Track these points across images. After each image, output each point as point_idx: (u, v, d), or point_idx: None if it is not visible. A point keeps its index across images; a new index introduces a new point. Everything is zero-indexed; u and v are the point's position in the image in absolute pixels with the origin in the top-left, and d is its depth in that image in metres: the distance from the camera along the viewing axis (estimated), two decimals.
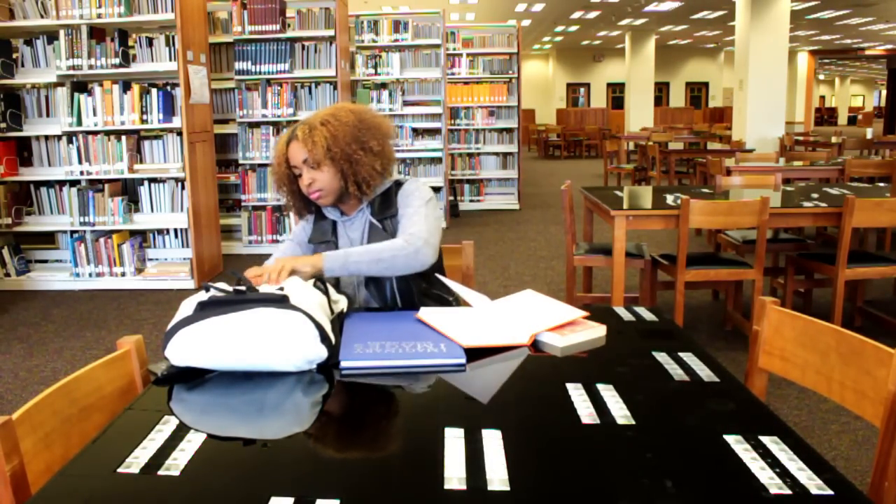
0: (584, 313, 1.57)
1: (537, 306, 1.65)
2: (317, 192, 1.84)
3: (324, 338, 1.36)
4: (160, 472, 0.98)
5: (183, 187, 4.98)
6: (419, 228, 1.78)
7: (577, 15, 16.60)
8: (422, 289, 1.87)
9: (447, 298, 1.92)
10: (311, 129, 1.81)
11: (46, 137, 5.06)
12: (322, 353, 1.36)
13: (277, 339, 1.33)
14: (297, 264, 1.65)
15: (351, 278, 1.87)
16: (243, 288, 1.45)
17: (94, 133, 4.90)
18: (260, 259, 1.84)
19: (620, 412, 1.15)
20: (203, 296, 1.42)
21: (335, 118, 1.83)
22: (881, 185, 5.34)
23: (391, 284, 1.84)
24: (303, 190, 1.86)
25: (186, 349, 1.35)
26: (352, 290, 1.88)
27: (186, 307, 1.41)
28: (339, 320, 1.54)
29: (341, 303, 1.61)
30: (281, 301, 1.37)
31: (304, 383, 1.34)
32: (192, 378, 1.36)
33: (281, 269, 1.60)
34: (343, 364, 1.36)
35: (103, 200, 4.96)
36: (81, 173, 4.94)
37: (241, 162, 6.04)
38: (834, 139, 9.79)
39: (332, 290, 1.59)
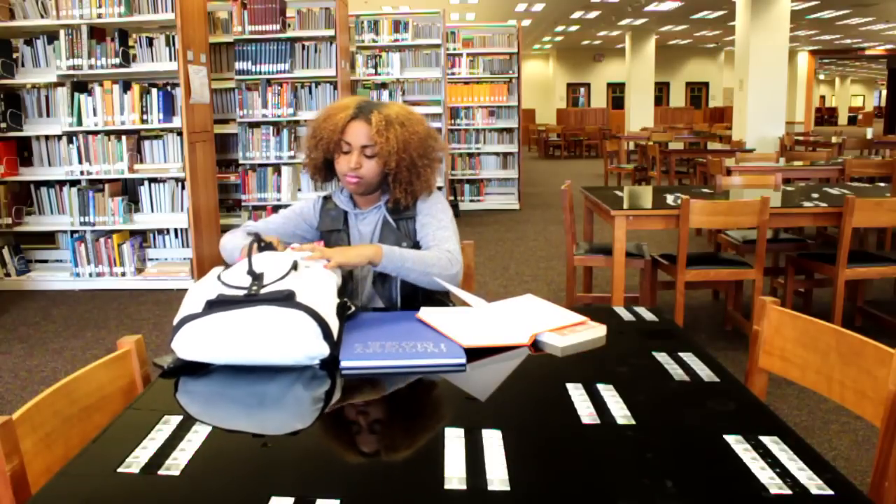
0: (584, 319, 1.57)
1: (537, 309, 1.65)
2: (356, 178, 1.81)
3: (326, 334, 1.37)
4: (160, 472, 0.98)
5: (183, 187, 4.98)
6: (455, 248, 1.79)
7: (577, 15, 16.59)
8: (426, 291, 1.87)
9: (449, 302, 1.92)
10: (387, 122, 1.77)
11: (46, 137, 5.06)
12: (324, 349, 1.37)
13: (279, 336, 1.35)
14: (350, 258, 1.60)
15: (361, 272, 1.88)
16: (253, 290, 1.43)
17: (95, 133, 4.90)
18: None
19: (620, 412, 1.15)
20: (211, 290, 1.41)
21: (411, 122, 1.82)
22: (881, 185, 5.33)
23: (396, 284, 1.84)
24: (340, 167, 1.83)
25: (191, 343, 1.37)
26: (358, 286, 1.88)
27: (195, 294, 1.42)
28: (343, 311, 1.55)
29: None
30: (285, 299, 1.37)
31: (305, 383, 1.34)
32: (197, 371, 1.37)
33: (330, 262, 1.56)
34: (343, 364, 1.36)
35: (103, 200, 4.96)
36: (81, 173, 4.94)
37: (241, 162, 6.03)
38: (834, 139, 9.79)
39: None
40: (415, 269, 1.69)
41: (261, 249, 1.60)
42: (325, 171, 1.92)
